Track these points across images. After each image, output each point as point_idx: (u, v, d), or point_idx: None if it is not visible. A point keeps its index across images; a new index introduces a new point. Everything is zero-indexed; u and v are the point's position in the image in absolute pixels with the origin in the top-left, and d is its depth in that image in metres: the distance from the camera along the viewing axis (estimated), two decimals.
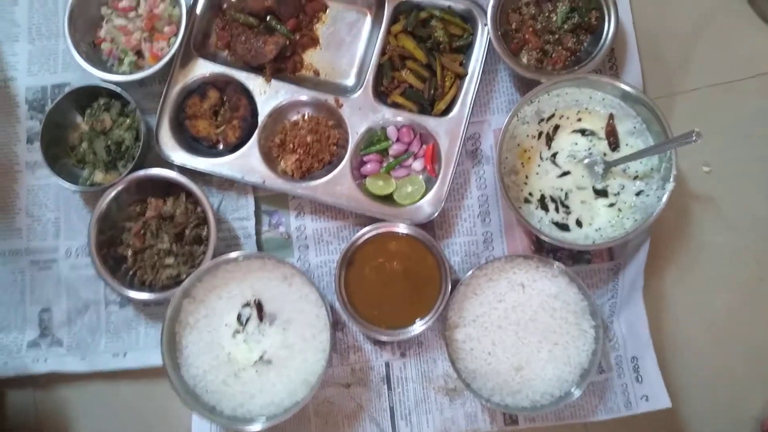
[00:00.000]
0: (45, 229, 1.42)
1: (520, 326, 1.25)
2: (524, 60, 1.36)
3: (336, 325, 1.35)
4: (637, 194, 1.30)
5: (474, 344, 1.24)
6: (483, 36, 1.35)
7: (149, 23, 1.39)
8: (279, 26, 1.39)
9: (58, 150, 1.39)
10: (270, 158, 1.37)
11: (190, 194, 1.34)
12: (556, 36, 1.35)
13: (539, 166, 1.33)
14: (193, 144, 1.40)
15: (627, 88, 1.26)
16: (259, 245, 1.38)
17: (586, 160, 1.32)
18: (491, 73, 1.40)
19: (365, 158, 1.36)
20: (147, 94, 1.43)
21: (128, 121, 1.37)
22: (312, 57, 1.43)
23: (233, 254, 1.26)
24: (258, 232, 1.39)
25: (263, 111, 1.36)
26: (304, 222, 1.39)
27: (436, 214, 1.30)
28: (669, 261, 1.35)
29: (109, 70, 1.39)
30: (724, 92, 1.37)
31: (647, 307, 1.31)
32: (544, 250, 1.36)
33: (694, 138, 1.14)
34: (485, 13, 1.33)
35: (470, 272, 1.25)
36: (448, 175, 1.32)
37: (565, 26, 1.34)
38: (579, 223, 1.31)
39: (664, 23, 1.39)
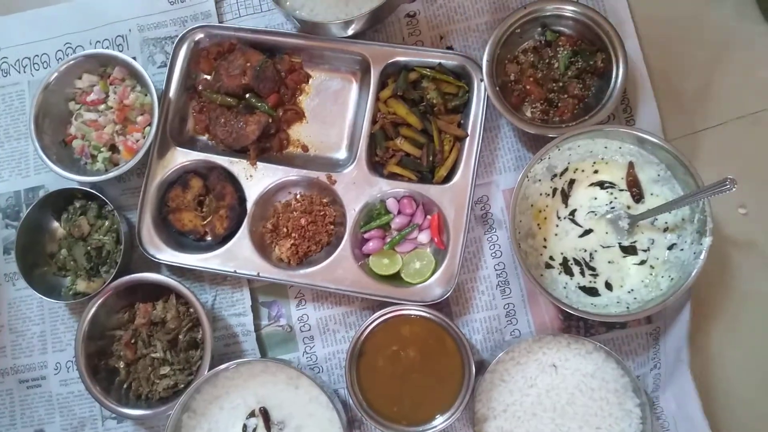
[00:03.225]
0: (30, 344, 1.33)
1: (557, 412, 1.11)
2: (528, 113, 1.25)
3: (352, 423, 1.23)
4: (670, 248, 1.17)
5: None
6: (480, 92, 1.24)
7: (121, 115, 1.30)
8: (259, 104, 1.29)
9: (37, 258, 1.30)
10: (263, 246, 1.26)
11: (180, 295, 1.23)
12: (561, 83, 1.23)
13: (557, 226, 1.21)
14: (179, 239, 1.29)
15: (645, 136, 1.14)
16: (259, 342, 1.27)
17: (608, 216, 1.19)
18: (493, 130, 1.28)
19: (366, 236, 1.25)
20: (126, 189, 1.34)
21: (107, 223, 1.28)
22: (299, 132, 1.32)
23: (231, 364, 1.15)
24: (257, 327, 1.27)
25: (251, 196, 1.26)
26: (307, 311, 1.27)
27: (450, 293, 1.18)
28: (713, 316, 1.21)
29: (83, 169, 1.31)
30: (751, 124, 1.24)
31: (694, 369, 1.17)
32: (573, 317, 1.23)
33: (728, 186, 1.02)
34: (480, 68, 1.22)
35: (495, 358, 1.12)
36: (458, 246, 1.20)
37: (569, 72, 1.23)
38: (609, 286, 1.18)
39: (677, 56, 1.27)
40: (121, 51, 1.38)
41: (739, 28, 1.28)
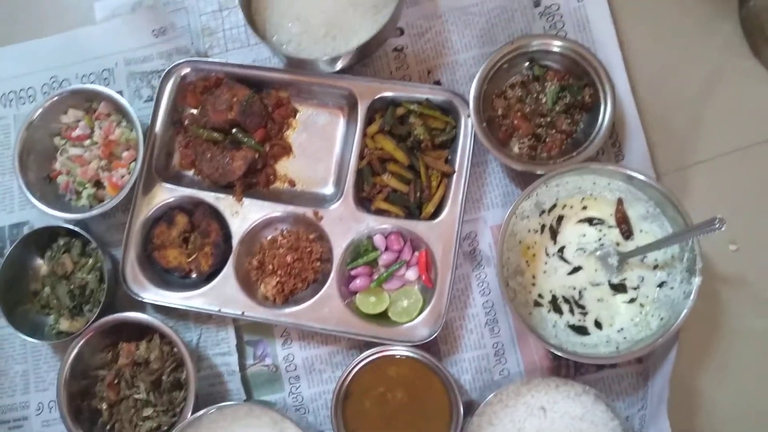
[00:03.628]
0: (13, 383, 1.31)
1: None
2: (516, 149, 1.24)
3: None
4: (660, 286, 1.15)
5: None
6: (467, 128, 1.23)
7: (106, 150, 1.29)
8: (246, 139, 1.28)
9: (20, 296, 1.28)
10: (248, 283, 1.24)
11: (164, 335, 1.21)
12: (549, 118, 1.22)
13: (546, 263, 1.19)
14: (164, 275, 1.28)
15: (633, 174, 1.13)
16: (244, 382, 1.24)
17: (597, 253, 1.18)
18: (481, 165, 1.27)
19: (353, 273, 1.23)
20: (111, 225, 1.33)
21: (91, 261, 1.26)
22: (286, 167, 1.31)
23: (214, 407, 1.13)
24: (243, 367, 1.25)
25: (237, 233, 1.24)
26: (292, 350, 1.25)
27: (437, 332, 1.16)
28: (702, 355, 1.19)
29: (68, 206, 1.29)
30: (741, 159, 1.23)
31: (682, 410, 1.16)
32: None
33: (717, 225, 1.00)
34: (467, 103, 1.21)
35: (484, 400, 1.10)
36: (446, 285, 1.18)
37: (557, 107, 1.22)
38: (598, 325, 1.16)
39: (666, 91, 1.26)
40: (107, 85, 1.37)
41: (728, 63, 1.27)
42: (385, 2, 1.25)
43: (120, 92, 1.36)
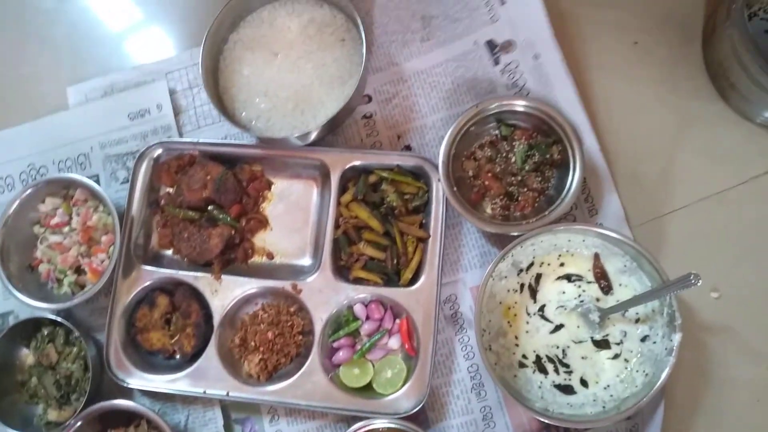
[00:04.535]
0: None
1: None
2: (488, 209, 1.24)
3: None
4: (643, 340, 1.14)
5: None
6: (439, 192, 1.23)
7: (85, 236, 1.30)
8: (221, 216, 1.28)
9: (8, 386, 1.28)
10: (232, 362, 1.24)
11: (151, 420, 1.21)
12: (519, 177, 1.22)
13: (528, 323, 1.19)
14: (148, 358, 1.28)
15: (605, 232, 1.13)
16: None
17: (578, 309, 1.17)
18: (456, 227, 1.27)
19: (335, 345, 1.23)
20: (94, 310, 1.33)
21: (75, 350, 1.26)
22: (263, 240, 1.31)
23: None
24: None
25: (217, 312, 1.24)
26: (280, 427, 1.24)
27: (423, 402, 1.15)
28: (692, 408, 1.17)
29: (50, 294, 1.30)
30: (717, 204, 1.23)
31: None
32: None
33: (692, 281, 0.99)
34: (437, 167, 1.22)
35: None
36: (429, 351, 1.18)
37: (527, 166, 1.22)
38: (584, 383, 1.15)
39: (635, 140, 1.26)
40: (84, 169, 1.39)
41: (696, 107, 1.27)
42: (350, 73, 1.27)
43: (96, 176, 1.38)
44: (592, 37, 1.33)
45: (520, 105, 1.21)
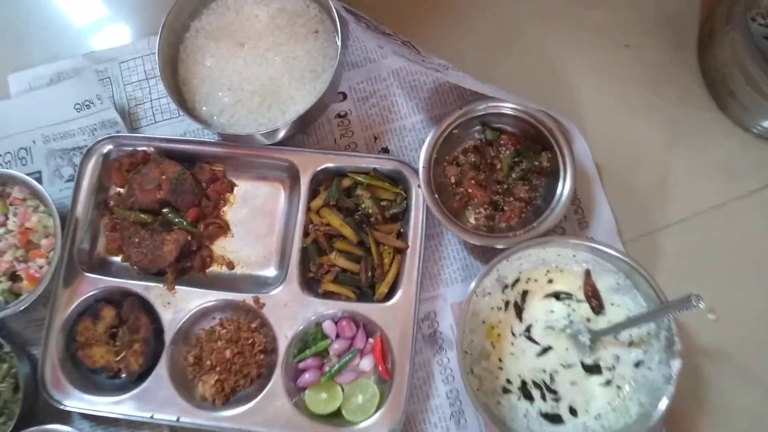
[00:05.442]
0: None
1: None
2: (472, 219, 1.14)
3: None
4: (637, 365, 1.05)
5: None
6: (418, 199, 1.13)
7: (23, 239, 1.16)
8: (177, 219, 1.16)
9: None
10: (184, 383, 1.12)
11: None
12: (505, 185, 1.13)
13: (513, 344, 1.09)
14: (90, 377, 1.15)
15: (598, 247, 1.04)
16: None
17: (567, 330, 1.08)
18: (436, 237, 1.17)
19: (301, 365, 1.11)
20: (31, 321, 1.19)
21: (5, 366, 1.12)
22: (223, 247, 1.19)
23: None
24: None
25: (170, 327, 1.12)
26: None
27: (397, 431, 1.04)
28: None
29: None
30: (713, 218, 1.15)
31: None
32: None
33: (694, 303, 0.90)
34: (417, 172, 1.12)
35: None
36: (405, 375, 1.07)
37: (514, 173, 1.13)
38: (573, 411, 1.06)
39: (629, 151, 1.18)
40: (24, 165, 1.26)
41: (690, 115, 1.20)
42: (323, 67, 1.16)
43: (39, 173, 1.26)
44: (582, 38, 1.25)
45: (507, 107, 1.12)
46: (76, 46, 1.33)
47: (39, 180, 1.23)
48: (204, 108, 1.17)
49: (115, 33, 1.33)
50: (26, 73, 1.29)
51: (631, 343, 1.07)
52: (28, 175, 1.17)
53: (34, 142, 1.26)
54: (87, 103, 1.25)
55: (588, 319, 1.08)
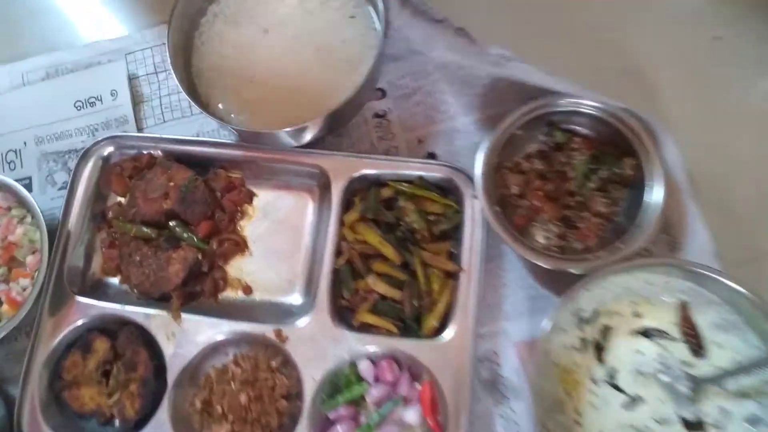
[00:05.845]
0: None
1: None
2: (540, 238, 0.96)
3: None
4: (751, 422, 0.85)
5: None
6: (474, 212, 0.97)
7: (6, 255, 1.02)
8: (186, 234, 1.01)
9: None
10: None
11: None
12: (580, 198, 0.95)
13: (593, 393, 0.89)
14: (77, 423, 0.98)
15: (700, 270, 0.85)
16: None
17: (660, 376, 0.88)
18: (495, 260, 0.99)
19: (332, 415, 0.93)
20: (10, 353, 1.04)
21: None
22: (240, 268, 1.04)
23: None
24: None
25: (173, 365, 0.95)
26: None
27: None
28: None
29: None
30: None
31: None
32: None
33: None
34: (471, 181, 0.95)
35: None
36: (460, 430, 0.88)
37: (590, 183, 0.95)
38: None
39: (726, 160, 1.01)
40: (13, 169, 1.15)
41: None
42: (360, 59, 1.03)
43: (29, 178, 1.14)
44: (664, 29, 1.09)
45: (585, 105, 0.95)
46: (76, 35, 1.21)
47: (28, 187, 1.10)
48: (221, 104, 1.04)
49: (121, 21, 1.22)
50: (20, 64, 1.18)
51: (742, 394, 0.86)
52: (16, 181, 1.02)
53: (25, 143, 1.13)
54: (91, 100, 1.12)
55: (685, 363, 0.89)
